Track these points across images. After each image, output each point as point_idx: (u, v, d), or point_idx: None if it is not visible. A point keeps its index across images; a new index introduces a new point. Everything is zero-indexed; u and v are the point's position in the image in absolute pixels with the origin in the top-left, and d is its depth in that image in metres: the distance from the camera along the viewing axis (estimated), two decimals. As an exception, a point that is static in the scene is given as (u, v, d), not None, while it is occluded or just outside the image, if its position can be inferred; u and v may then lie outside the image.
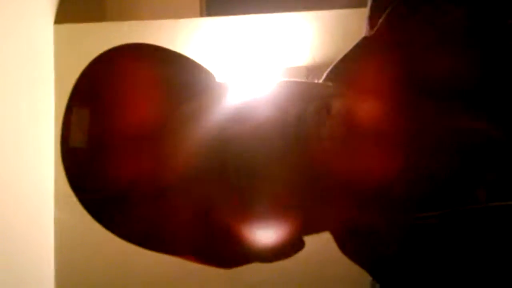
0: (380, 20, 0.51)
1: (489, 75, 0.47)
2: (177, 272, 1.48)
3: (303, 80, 0.52)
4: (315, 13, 1.68)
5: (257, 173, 0.43)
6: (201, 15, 1.74)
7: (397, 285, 0.48)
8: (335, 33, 1.61)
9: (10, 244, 1.37)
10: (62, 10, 1.69)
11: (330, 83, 0.52)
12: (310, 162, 0.42)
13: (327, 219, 0.47)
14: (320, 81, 0.54)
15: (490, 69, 0.47)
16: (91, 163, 0.45)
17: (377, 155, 0.43)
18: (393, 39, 0.50)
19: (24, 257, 1.46)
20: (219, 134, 0.44)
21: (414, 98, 0.47)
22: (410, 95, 0.47)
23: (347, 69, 0.53)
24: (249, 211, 0.44)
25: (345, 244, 0.49)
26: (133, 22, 1.67)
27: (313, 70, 1.60)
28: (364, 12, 0.55)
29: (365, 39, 0.53)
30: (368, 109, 0.44)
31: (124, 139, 0.45)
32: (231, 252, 0.48)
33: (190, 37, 1.66)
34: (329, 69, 0.54)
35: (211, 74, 0.51)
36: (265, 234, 0.46)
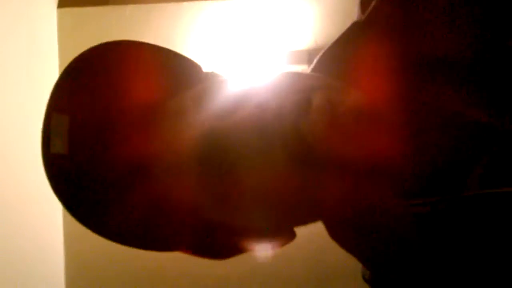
0: (372, 4, 0.50)
1: (484, 58, 0.46)
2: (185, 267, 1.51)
3: (289, 70, 0.51)
4: (317, -4, 1.68)
5: (239, 170, 0.42)
6: (204, -2, 1.74)
7: (389, 273, 0.48)
8: (336, 17, 1.61)
9: (18, 238, 1.38)
10: (65, -6, 1.69)
11: (316, 74, 0.51)
12: (291, 157, 0.41)
13: (315, 210, 0.46)
14: (309, 70, 0.53)
15: (485, 50, 0.46)
16: (77, 166, 0.44)
17: (361, 143, 0.42)
18: (384, 23, 0.50)
19: (34, 251, 1.48)
20: (201, 128, 0.43)
21: (406, 84, 0.46)
22: (401, 81, 0.46)
23: (336, 57, 0.52)
24: (237, 204, 0.44)
25: (336, 231, 0.49)
26: (136, 6, 1.67)
27: (315, 53, 1.60)
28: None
29: (355, 24, 0.52)
30: (353, 101, 0.43)
31: (111, 131, 0.44)
32: (224, 243, 0.48)
33: (192, 21, 1.67)
34: (317, 57, 0.53)
35: (198, 65, 0.51)
36: (256, 224, 0.46)
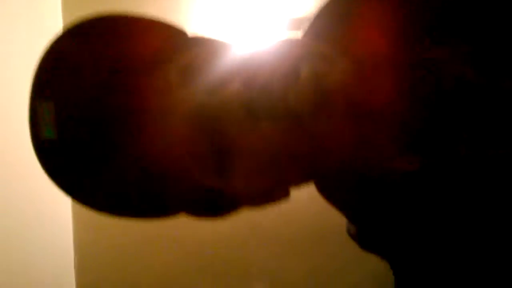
0: None
1: (472, 17, 0.45)
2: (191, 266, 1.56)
3: (282, 37, 0.50)
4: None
5: (230, 136, 0.43)
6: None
7: (376, 229, 0.49)
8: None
9: (27, 239, 1.40)
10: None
11: (307, 40, 0.50)
12: (280, 127, 0.41)
13: (305, 171, 0.46)
14: (302, 34, 0.52)
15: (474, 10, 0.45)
16: (67, 147, 0.44)
17: (348, 125, 0.42)
18: None
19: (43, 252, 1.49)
20: (189, 105, 0.43)
21: (398, 43, 0.46)
22: (393, 39, 0.46)
23: (326, 24, 0.50)
24: (231, 168, 0.44)
25: (327, 189, 0.50)
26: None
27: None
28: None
29: None
30: (344, 72, 0.42)
31: (97, 110, 0.43)
32: (222, 202, 0.48)
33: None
34: (306, 25, 0.52)
35: (183, 32, 0.49)
36: (250, 182, 0.46)
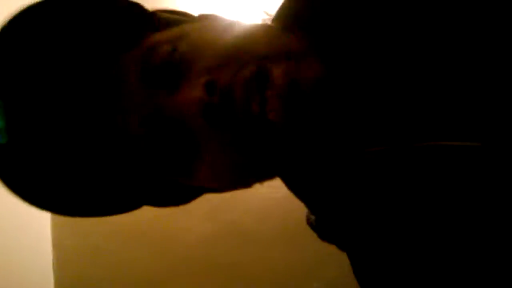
0: None
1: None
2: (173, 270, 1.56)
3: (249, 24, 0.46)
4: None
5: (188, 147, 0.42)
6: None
7: (332, 218, 0.48)
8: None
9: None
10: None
11: (276, 32, 0.46)
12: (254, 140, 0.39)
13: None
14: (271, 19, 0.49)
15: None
16: (18, 150, 0.42)
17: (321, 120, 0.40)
18: None
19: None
20: (144, 108, 0.41)
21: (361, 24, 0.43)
22: (373, 29, 0.43)
23: (299, 8, 0.47)
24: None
25: (287, 177, 0.48)
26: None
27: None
28: None
29: None
30: (312, 77, 0.40)
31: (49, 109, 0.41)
32: (184, 190, 0.47)
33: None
34: (276, 11, 0.49)
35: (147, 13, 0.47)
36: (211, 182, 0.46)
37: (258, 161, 0.42)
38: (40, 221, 1.58)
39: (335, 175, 0.45)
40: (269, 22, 0.50)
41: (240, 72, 0.39)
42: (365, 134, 0.43)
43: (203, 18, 0.49)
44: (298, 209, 0.52)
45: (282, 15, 0.49)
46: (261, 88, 0.38)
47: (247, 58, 0.40)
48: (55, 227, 1.60)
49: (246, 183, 0.47)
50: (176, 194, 0.49)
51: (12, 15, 0.43)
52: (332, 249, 0.50)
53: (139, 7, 0.47)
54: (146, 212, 1.58)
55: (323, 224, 0.50)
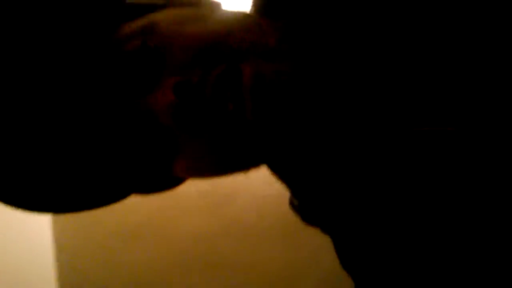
0: None
1: None
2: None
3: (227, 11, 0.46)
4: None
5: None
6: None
7: (314, 201, 0.48)
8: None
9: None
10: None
11: (254, 19, 0.46)
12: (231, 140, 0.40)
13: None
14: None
15: None
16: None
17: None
18: None
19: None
20: (119, 105, 0.41)
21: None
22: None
23: None
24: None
25: (269, 160, 0.48)
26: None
27: None
28: None
29: None
30: (286, 68, 0.40)
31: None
32: (169, 176, 0.47)
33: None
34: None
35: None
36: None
37: (235, 155, 0.43)
38: (41, 220, 1.58)
39: (317, 160, 0.45)
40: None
41: (211, 71, 0.39)
42: (346, 120, 0.43)
43: (176, 2, 0.47)
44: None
45: (258, 2, 0.49)
46: (232, 87, 0.39)
47: (219, 55, 0.40)
48: (55, 225, 1.61)
49: (228, 173, 0.47)
50: (162, 182, 0.48)
51: None
52: (328, 244, 0.50)
53: None
54: (147, 210, 1.60)
55: (306, 207, 0.49)
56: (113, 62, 0.41)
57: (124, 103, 0.40)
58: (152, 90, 0.40)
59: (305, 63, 0.43)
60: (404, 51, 0.42)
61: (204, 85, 0.39)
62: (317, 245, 1.27)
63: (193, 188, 1.53)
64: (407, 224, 0.42)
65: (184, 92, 0.39)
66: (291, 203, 0.51)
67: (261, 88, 0.39)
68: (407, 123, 0.41)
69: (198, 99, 0.39)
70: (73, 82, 0.40)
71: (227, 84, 0.39)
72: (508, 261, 0.39)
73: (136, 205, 1.57)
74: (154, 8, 0.45)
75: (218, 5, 0.48)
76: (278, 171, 0.49)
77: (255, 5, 0.49)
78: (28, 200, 0.43)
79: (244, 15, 0.47)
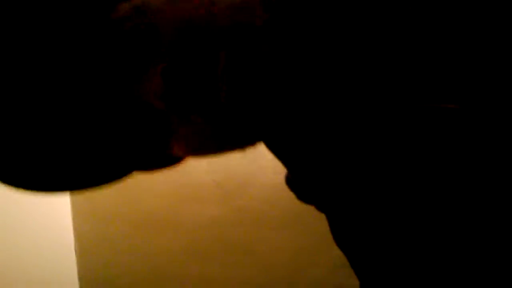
0: None
1: None
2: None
3: None
4: None
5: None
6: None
7: (310, 179, 0.47)
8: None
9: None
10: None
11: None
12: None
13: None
14: None
15: None
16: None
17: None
18: None
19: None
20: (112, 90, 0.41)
21: None
22: None
23: None
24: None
25: (266, 137, 0.47)
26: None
27: None
28: None
29: None
30: (268, 50, 0.40)
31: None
32: (168, 153, 0.46)
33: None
34: None
35: None
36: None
37: (226, 135, 0.43)
38: (61, 210, 1.62)
39: (313, 135, 0.45)
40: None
41: (197, 55, 0.39)
42: (345, 96, 0.42)
43: None
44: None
45: None
46: (211, 72, 0.39)
47: (206, 36, 0.40)
48: (75, 215, 1.65)
49: (223, 152, 0.46)
50: (161, 160, 0.48)
51: None
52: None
53: None
54: (164, 200, 1.64)
55: (301, 184, 0.49)
56: (107, 44, 0.40)
57: (119, 86, 0.41)
58: (142, 76, 0.40)
59: (293, 45, 0.42)
60: (406, 27, 0.41)
61: (189, 69, 0.39)
62: (326, 233, 1.30)
63: (208, 178, 1.57)
64: (404, 201, 0.41)
65: (171, 77, 0.39)
66: (287, 180, 0.51)
67: (238, 72, 0.39)
68: (405, 98, 0.41)
69: (185, 85, 0.39)
70: (68, 63, 0.39)
71: (207, 69, 0.39)
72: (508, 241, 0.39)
73: (154, 195, 1.62)
74: None
75: None
76: (273, 148, 0.48)
77: None
78: (35, 180, 0.43)
79: None
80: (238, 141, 0.45)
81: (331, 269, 1.54)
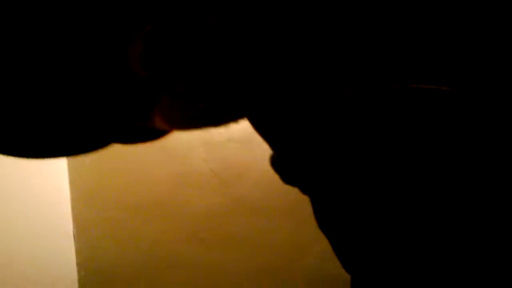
0: None
1: None
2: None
3: None
4: None
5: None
6: None
7: (295, 160, 0.46)
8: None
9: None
10: None
11: None
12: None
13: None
14: None
15: None
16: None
17: None
18: None
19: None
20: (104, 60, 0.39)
21: None
22: None
23: None
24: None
25: (253, 117, 0.46)
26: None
27: None
28: None
29: None
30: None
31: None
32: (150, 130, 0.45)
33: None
34: None
35: None
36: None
37: (207, 108, 0.41)
38: (60, 197, 1.64)
39: (300, 115, 0.43)
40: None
41: (181, 21, 0.37)
42: (336, 75, 0.40)
43: None
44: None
45: None
46: (197, 39, 0.37)
47: (191, 4, 0.37)
48: (74, 202, 1.67)
49: (205, 126, 0.44)
50: (142, 132, 0.46)
51: None
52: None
53: None
54: (162, 187, 1.65)
55: (287, 166, 0.48)
56: (89, 6, 0.38)
57: (101, 50, 0.39)
58: (125, 41, 0.38)
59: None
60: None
61: (175, 37, 0.37)
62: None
63: (206, 167, 1.58)
64: (389, 184, 0.40)
65: (154, 42, 0.37)
66: (272, 161, 0.49)
67: (227, 42, 0.37)
68: (393, 77, 0.38)
69: (168, 50, 0.37)
70: (51, 24, 0.37)
71: (192, 36, 0.37)
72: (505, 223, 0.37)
73: (152, 183, 1.65)
74: None
75: None
76: (257, 126, 0.47)
77: None
78: (12, 145, 0.42)
79: None
80: (221, 115, 0.42)
81: (328, 258, 1.54)
